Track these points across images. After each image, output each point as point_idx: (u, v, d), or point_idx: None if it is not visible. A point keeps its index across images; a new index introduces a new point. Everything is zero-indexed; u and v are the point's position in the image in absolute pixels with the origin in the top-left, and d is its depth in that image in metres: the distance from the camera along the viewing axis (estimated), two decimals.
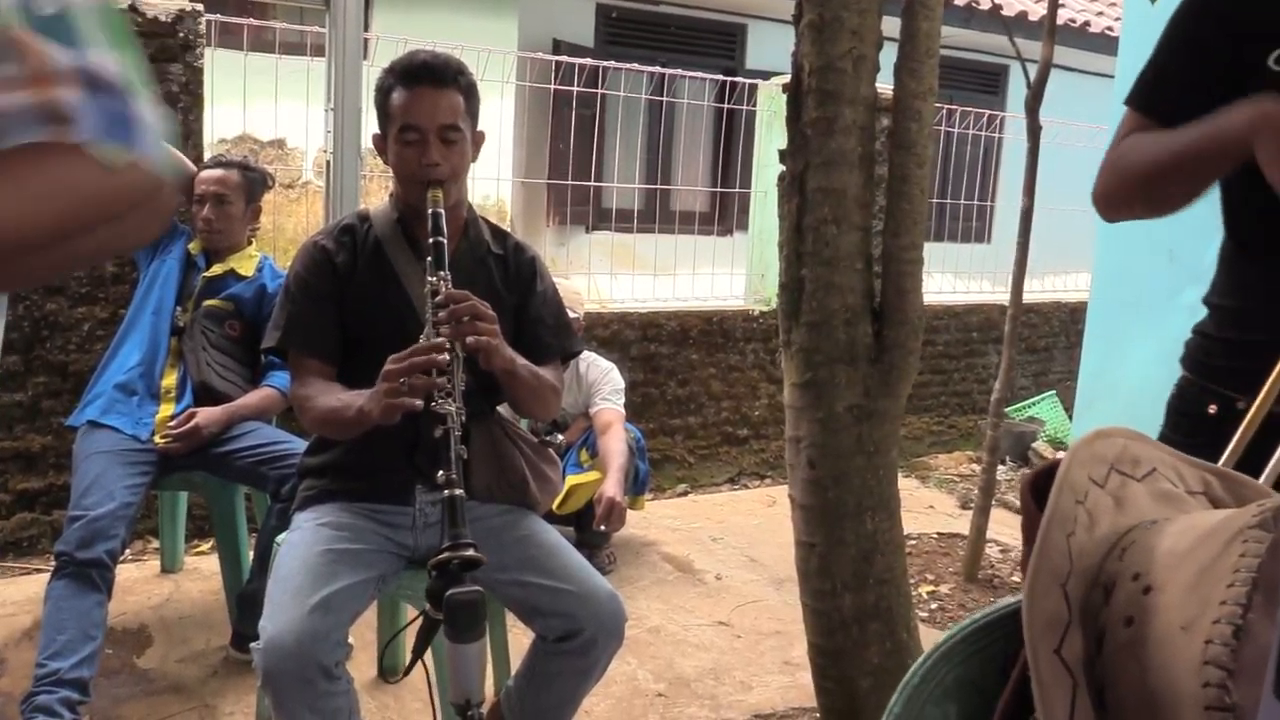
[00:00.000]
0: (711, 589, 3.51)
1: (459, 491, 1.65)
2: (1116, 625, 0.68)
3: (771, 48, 7.25)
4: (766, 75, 5.36)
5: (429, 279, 1.85)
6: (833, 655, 2.02)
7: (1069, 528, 0.74)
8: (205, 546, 3.57)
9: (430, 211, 1.89)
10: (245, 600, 2.70)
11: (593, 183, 5.15)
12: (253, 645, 1.76)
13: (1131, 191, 1.46)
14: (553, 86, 4.70)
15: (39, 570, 3.30)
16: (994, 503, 3.69)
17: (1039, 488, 0.78)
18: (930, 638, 2.64)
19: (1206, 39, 1.42)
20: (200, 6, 3.49)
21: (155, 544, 3.50)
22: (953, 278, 5.81)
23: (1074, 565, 0.72)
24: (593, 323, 4.27)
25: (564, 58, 4.76)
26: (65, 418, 3.14)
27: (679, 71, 5.08)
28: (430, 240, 1.87)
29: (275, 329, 2.03)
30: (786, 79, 4.74)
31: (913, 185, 1.93)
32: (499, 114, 4.55)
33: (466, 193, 2.12)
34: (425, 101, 1.93)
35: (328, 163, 3.54)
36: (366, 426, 1.83)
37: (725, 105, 5.00)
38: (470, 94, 2.00)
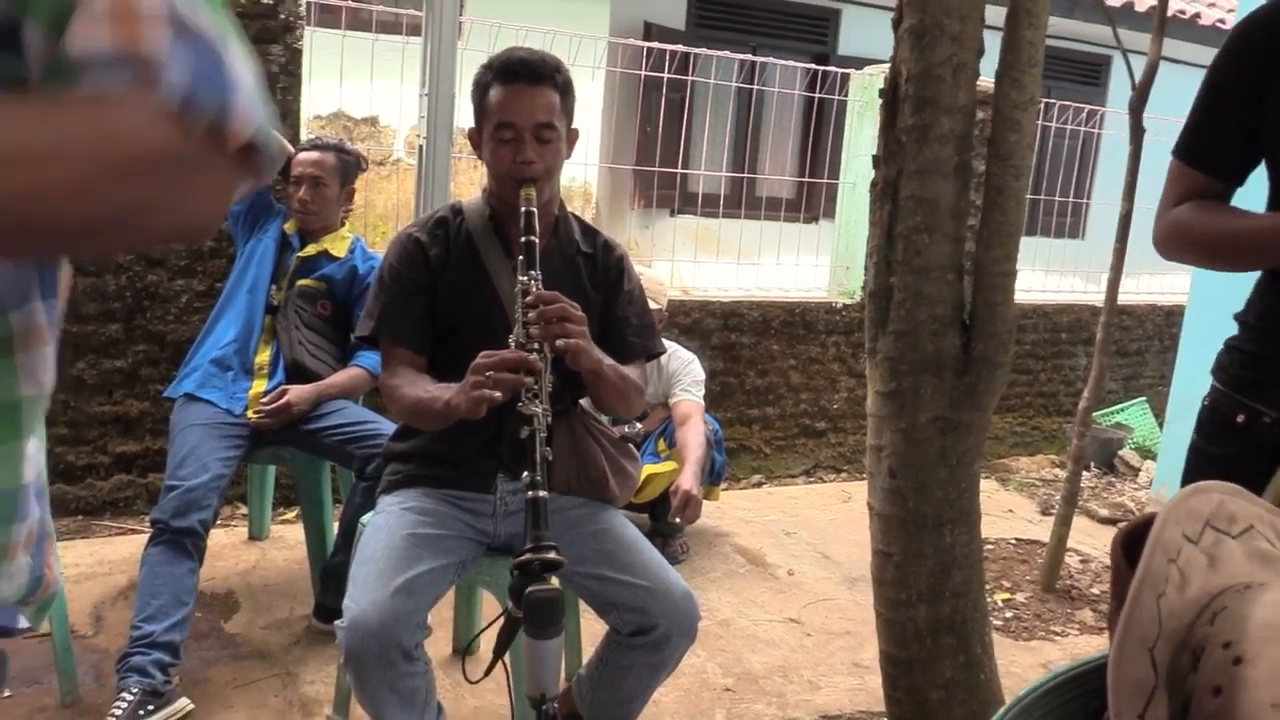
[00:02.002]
0: (783, 584, 3.51)
1: (543, 494, 1.67)
2: (1204, 694, 0.68)
3: (865, 34, 7.15)
4: (859, 62, 5.29)
5: (520, 278, 1.87)
6: (904, 666, 2.01)
7: (1160, 588, 0.73)
8: (290, 515, 3.68)
9: (523, 210, 1.91)
10: (329, 574, 2.78)
11: (679, 170, 5.14)
12: (337, 624, 1.81)
13: (1195, 258, 1.67)
14: (643, 72, 4.69)
15: (134, 531, 3.44)
16: (1076, 510, 3.62)
17: (1130, 544, 0.77)
18: (1004, 648, 2.62)
19: (1244, 88, 1.51)
20: None
21: (243, 510, 3.62)
22: (1043, 274, 5.68)
23: (1163, 628, 0.72)
24: (675, 310, 4.28)
25: (655, 44, 4.76)
26: (162, 385, 3.26)
27: (770, 59, 5.03)
28: (522, 240, 1.89)
29: (369, 318, 2.08)
30: (880, 68, 4.70)
31: (1008, 197, 1.89)
32: (588, 99, 4.57)
33: (559, 190, 2.14)
34: (522, 99, 1.94)
35: (420, 146, 3.59)
36: (453, 419, 1.86)
37: (816, 95, 4.94)
38: (566, 92, 2.01)
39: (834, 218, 5.10)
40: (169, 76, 0.61)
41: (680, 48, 4.65)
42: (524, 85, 1.95)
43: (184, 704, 2.35)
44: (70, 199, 0.60)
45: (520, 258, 1.90)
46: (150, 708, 2.26)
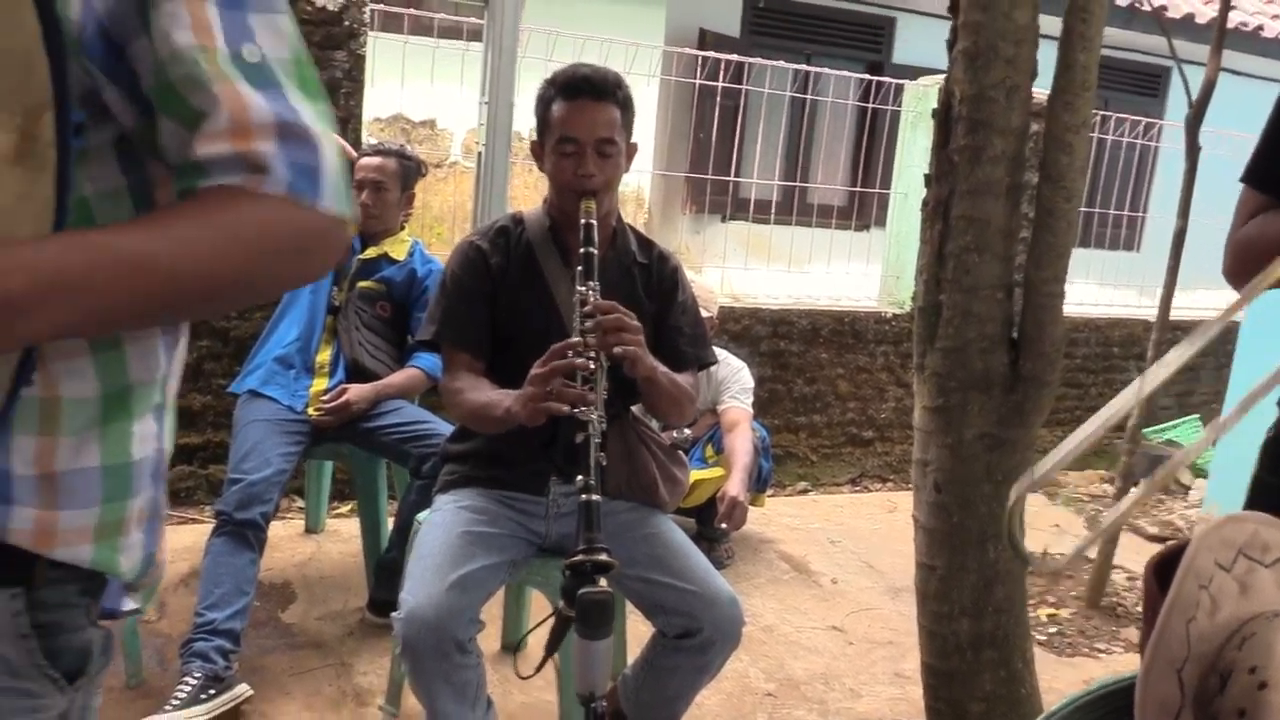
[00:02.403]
0: (827, 592, 3.54)
1: (596, 497, 1.73)
2: (1229, 716, 0.71)
3: (920, 41, 7.13)
4: (913, 71, 5.29)
5: (578, 289, 1.93)
6: (946, 678, 2.05)
7: (1190, 613, 0.77)
8: (345, 509, 3.77)
9: (583, 222, 1.97)
10: (384, 568, 2.86)
11: (731, 178, 5.19)
12: (394, 615, 1.88)
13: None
14: (697, 81, 4.74)
15: (195, 521, 3.55)
16: (1123, 527, 3.60)
17: (1162, 569, 0.81)
18: (1047, 664, 2.63)
19: None
20: None
21: (300, 503, 3.72)
22: (1096, 287, 5.63)
23: (1191, 651, 0.75)
24: (724, 317, 4.32)
25: (710, 53, 4.80)
26: (224, 380, 3.36)
27: (824, 69, 5.06)
28: (581, 251, 1.96)
29: (430, 323, 2.15)
30: (934, 79, 4.71)
31: (1059, 219, 1.91)
32: (643, 106, 4.63)
33: (617, 202, 2.20)
34: (584, 115, 2.00)
35: (479, 152, 3.67)
36: (512, 425, 1.93)
37: (870, 105, 4.96)
38: (627, 107, 2.06)
39: (885, 226, 5.11)
40: (276, 172, 0.78)
41: (735, 57, 4.69)
42: (587, 100, 2.01)
43: (243, 689, 2.44)
44: (219, 288, 0.80)
45: (579, 268, 1.96)
46: (211, 691, 2.35)
